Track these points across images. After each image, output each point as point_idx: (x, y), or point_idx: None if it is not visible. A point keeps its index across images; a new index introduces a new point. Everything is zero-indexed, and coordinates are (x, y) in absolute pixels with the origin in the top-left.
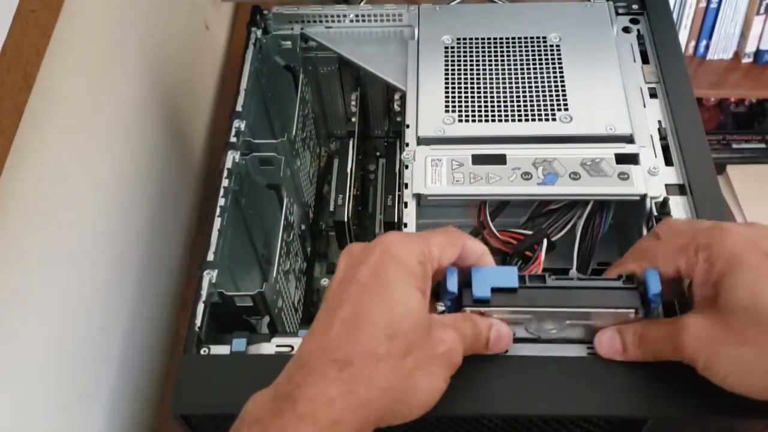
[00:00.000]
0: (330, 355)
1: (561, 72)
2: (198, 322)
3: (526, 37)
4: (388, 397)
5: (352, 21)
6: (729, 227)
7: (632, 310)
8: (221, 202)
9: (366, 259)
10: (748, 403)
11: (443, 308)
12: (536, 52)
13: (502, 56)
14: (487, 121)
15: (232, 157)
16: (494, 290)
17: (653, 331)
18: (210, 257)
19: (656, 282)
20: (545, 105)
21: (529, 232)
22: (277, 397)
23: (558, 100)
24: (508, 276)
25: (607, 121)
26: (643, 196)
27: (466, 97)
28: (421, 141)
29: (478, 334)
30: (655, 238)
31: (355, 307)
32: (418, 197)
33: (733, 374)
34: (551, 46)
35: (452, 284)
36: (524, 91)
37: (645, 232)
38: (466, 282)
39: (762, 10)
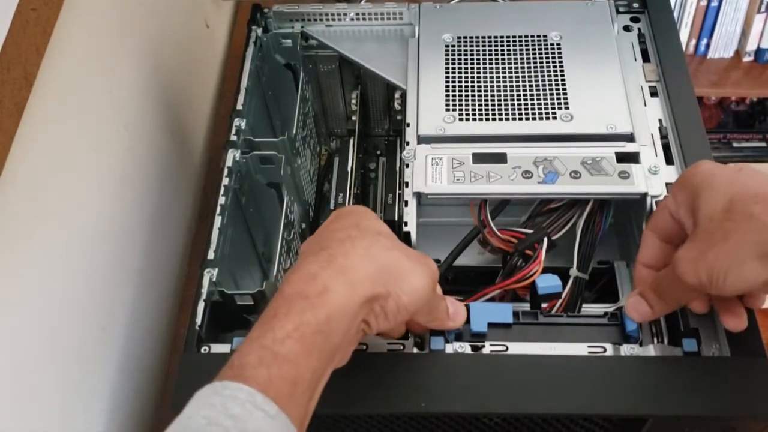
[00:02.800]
0: (309, 250)
1: (562, 70)
2: (198, 320)
3: (526, 36)
4: (373, 265)
5: (352, 19)
6: (704, 161)
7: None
8: (222, 200)
9: (350, 207)
10: (748, 402)
11: None
12: (537, 51)
13: (502, 55)
14: (487, 119)
15: (232, 156)
16: (491, 325)
17: (663, 280)
18: (210, 256)
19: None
20: (546, 103)
21: (530, 231)
22: (281, 296)
23: (558, 98)
24: (503, 312)
25: (608, 119)
26: (644, 195)
27: (467, 95)
28: (421, 139)
29: (441, 301)
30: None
31: (331, 224)
32: (419, 196)
33: (729, 273)
34: (552, 44)
35: None
36: (525, 90)
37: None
38: (466, 318)
39: (763, 8)
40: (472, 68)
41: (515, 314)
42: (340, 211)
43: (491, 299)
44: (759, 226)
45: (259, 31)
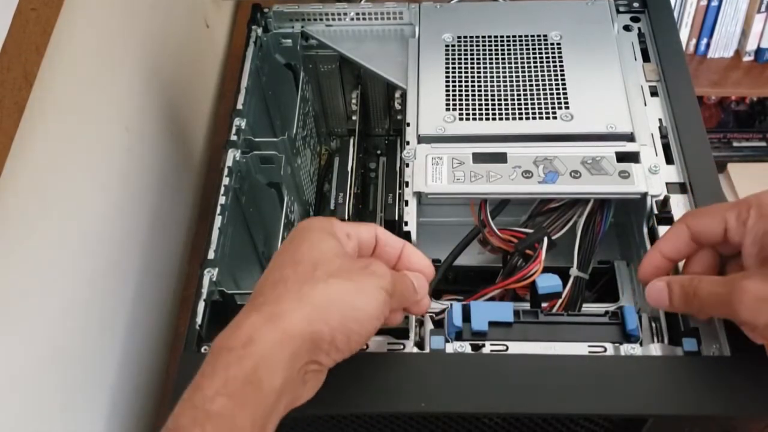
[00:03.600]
0: (247, 303)
1: (562, 70)
2: (199, 320)
3: (526, 36)
4: (307, 306)
5: (352, 19)
6: None
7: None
8: (222, 200)
9: (293, 232)
10: (748, 402)
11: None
12: (537, 51)
13: (502, 54)
14: (487, 119)
15: (232, 156)
16: (491, 324)
17: (704, 289)
18: (211, 255)
19: (632, 318)
20: (546, 103)
21: (530, 231)
22: (211, 352)
23: (559, 98)
24: (504, 311)
25: (608, 119)
26: (644, 195)
27: (467, 95)
28: (421, 139)
29: (403, 278)
30: (696, 210)
31: (272, 262)
32: (419, 195)
33: None
34: (552, 44)
35: (458, 319)
36: (525, 90)
37: (645, 230)
38: (466, 317)
39: (763, 8)
40: (473, 68)
41: (516, 313)
42: (287, 240)
43: (491, 299)
44: None
45: (259, 30)
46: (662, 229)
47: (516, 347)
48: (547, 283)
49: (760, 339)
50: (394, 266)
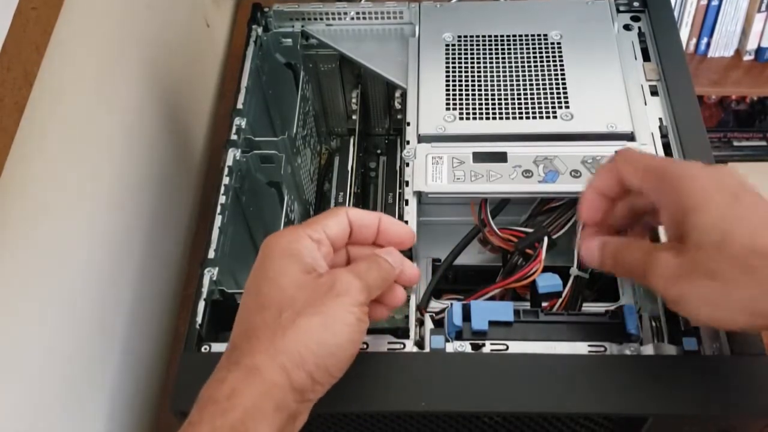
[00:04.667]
0: (226, 353)
1: (562, 69)
2: (199, 319)
3: (526, 35)
4: (281, 356)
5: (352, 18)
6: (698, 164)
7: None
8: (222, 199)
9: (255, 265)
10: (748, 402)
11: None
12: (537, 50)
13: (502, 54)
14: (488, 118)
15: (232, 155)
16: (491, 323)
17: (629, 256)
18: (211, 255)
19: (632, 317)
20: (546, 102)
21: (530, 230)
22: (197, 402)
23: (559, 97)
24: (504, 311)
25: (608, 118)
26: None
27: (467, 94)
28: (421, 138)
29: (375, 266)
30: (628, 151)
31: (242, 306)
32: (419, 195)
33: (704, 307)
34: (552, 43)
35: (458, 319)
36: (525, 89)
37: None
38: (467, 317)
39: (763, 7)
40: (473, 67)
41: (516, 313)
42: (252, 273)
43: (491, 298)
44: (753, 283)
45: (260, 30)
46: (662, 229)
47: (516, 347)
48: (548, 282)
49: (672, 307)
50: (374, 241)
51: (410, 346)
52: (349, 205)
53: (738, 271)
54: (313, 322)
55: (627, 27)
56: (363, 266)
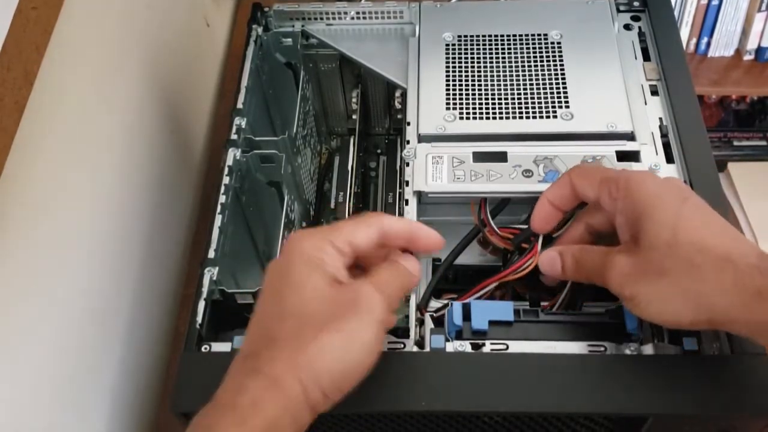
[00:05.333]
0: (245, 355)
1: (562, 69)
2: (199, 319)
3: (527, 35)
4: (303, 372)
5: (353, 18)
6: (650, 174)
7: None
8: (222, 199)
9: (274, 266)
10: (748, 401)
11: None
12: (537, 50)
13: (503, 53)
14: (488, 118)
15: (232, 155)
16: (491, 323)
17: (588, 260)
18: (211, 254)
19: (632, 317)
20: (546, 102)
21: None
22: (216, 405)
23: (559, 97)
24: (505, 310)
25: (608, 118)
26: None
27: (467, 94)
28: (422, 138)
29: (398, 275)
30: (595, 164)
31: (259, 308)
32: (419, 194)
33: (654, 303)
34: (552, 43)
35: (458, 318)
36: (525, 89)
37: None
38: (467, 316)
39: (763, 7)
40: (473, 67)
41: (516, 312)
42: (272, 275)
43: (491, 296)
44: (698, 277)
45: (260, 29)
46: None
47: (516, 346)
48: None
49: (628, 307)
50: (403, 249)
51: (410, 346)
52: (349, 204)
53: (685, 267)
54: (334, 340)
55: (627, 27)
56: (385, 277)
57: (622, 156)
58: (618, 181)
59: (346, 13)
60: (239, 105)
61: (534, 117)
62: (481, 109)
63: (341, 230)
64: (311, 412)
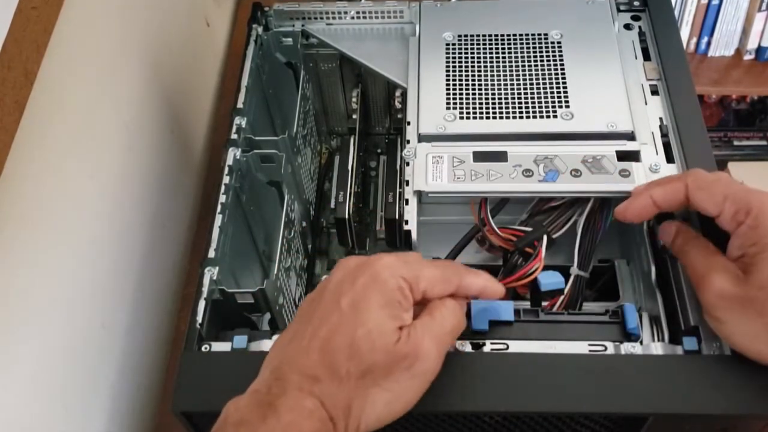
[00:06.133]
0: (304, 371)
1: (562, 69)
2: (199, 319)
3: (527, 34)
4: (348, 414)
5: (353, 18)
6: None
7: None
8: (222, 199)
9: (353, 284)
10: (748, 401)
11: None
12: (537, 49)
13: (503, 53)
14: (488, 118)
15: (233, 154)
16: (492, 322)
17: (692, 256)
18: (211, 254)
19: (633, 317)
20: (546, 102)
21: (529, 229)
22: (260, 404)
23: (559, 97)
24: (505, 310)
25: (609, 118)
26: None
27: (467, 94)
28: (422, 138)
29: (456, 319)
30: (713, 174)
31: (330, 331)
32: (419, 194)
33: (741, 335)
34: (552, 43)
35: None
36: (525, 88)
37: (645, 229)
38: (467, 316)
39: (764, 7)
40: (473, 66)
41: (516, 312)
42: (343, 288)
43: None
44: None
45: (260, 29)
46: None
47: (516, 346)
48: (550, 280)
49: (708, 321)
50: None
51: None
52: (349, 203)
53: None
54: (381, 398)
55: (627, 26)
56: (448, 325)
57: (623, 156)
58: (750, 208)
59: (346, 12)
60: (239, 104)
61: (534, 117)
62: (481, 108)
63: (424, 277)
64: None
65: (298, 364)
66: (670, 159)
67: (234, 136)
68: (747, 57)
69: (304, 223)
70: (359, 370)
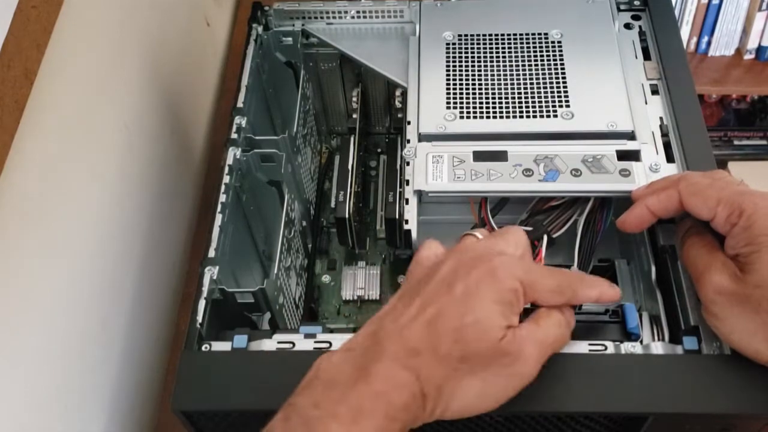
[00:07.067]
0: (405, 342)
1: (562, 68)
2: (199, 318)
3: (527, 34)
4: (440, 394)
5: (353, 17)
6: None
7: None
8: (222, 198)
9: (468, 274)
10: (748, 400)
11: None
12: (537, 49)
13: (503, 52)
14: (488, 117)
15: (233, 154)
16: None
17: (694, 252)
18: (211, 254)
19: (633, 316)
20: (546, 101)
21: (529, 229)
22: (354, 366)
23: (559, 96)
24: None
25: (609, 117)
26: None
27: (468, 93)
28: (422, 137)
29: (560, 333)
30: (706, 177)
31: (439, 312)
32: (419, 194)
33: (738, 333)
34: (553, 42)
35: None
36: (525, 88)
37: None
38: None
39: (764, 6)
40: (473, 66)
41: None
42: (452, 265)
43: None
44: None
45: (260, 29)
46: (662, 228)
47: None
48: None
49: (706, 317)
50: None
51: None
52: (349, 203)
53: None
54: (474, 387)
55: (628, 26)
56: (553, 335)
57: (623, 155)
58: (743, 209)
59: (346, 12)
60: (239, 104)
61: (534, 116)
62: (481, 108)
63: (538, 285)
64: (422, 422)
65: (400, 335)
66: (670, 158)
67: (234, 135)
68: (747, 56)
69: (304, 223)
70: (461, 355)
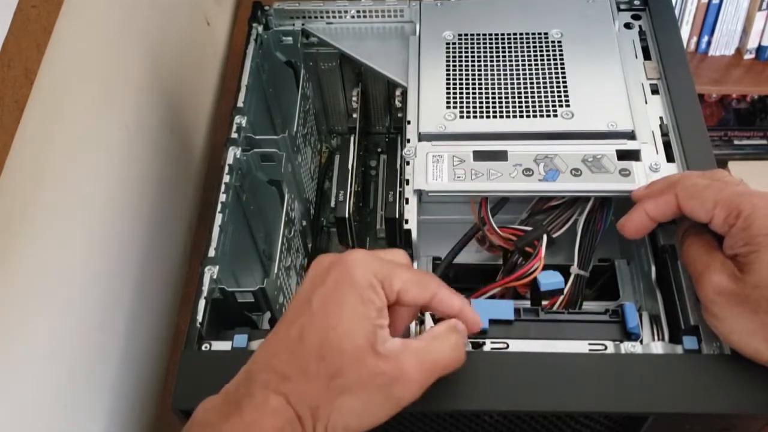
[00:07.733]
0: (274, 369)
1: (562, 68)
2: (199, 318)
3: (527, 33)
4: (316, 415)
5: (353, 17)
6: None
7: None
8: (222, 198)
9: (325, 280)
10: (748, 400)
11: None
12: (538, 48)
13: (503, 52)
14: (488, 117)
15: (233, 153)
16: (492, 321)
17: (693, 251)
18: (211, 253)
19: (633, 316)
20: (546, 101)
21: (529, 228)
22: (227, 403)
23: (559, 96)
24: (505, 309)
25: (609, 117)
26: None
27: (468, 93)
28: (422, 137)
29: (454, 356)
30: (705, 178)
31: (301, 332)
32: (419, 193)
33: (737, 333)
34: (553, 42)
35: None
36: (525, 87)
37: None
38: None
39: (764, 6)
40: (473, 66)
41: (516, 311)
42: (319, 288)
43: (492, 297)
44: None
45: (260, 28)
46: (662, 228)
47: (516, 345)
48: (550, 279)
49: (705, 317)
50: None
51: None
52: (349, 203)
53: None
54: (350, 407)
55: (628, 25)
56: (440, 362)
57: (623, 155)
58: (740, 210)
59: (346, 11)
60: (239, 103)
61: (534, 116)
62: (481, 107)
63: (397, 275)
64: None
65: (269, 364)
66: (670, 158)
67: (234, 135)
68: (747, 56)
69: (304, 222)
70: (330, 372)
